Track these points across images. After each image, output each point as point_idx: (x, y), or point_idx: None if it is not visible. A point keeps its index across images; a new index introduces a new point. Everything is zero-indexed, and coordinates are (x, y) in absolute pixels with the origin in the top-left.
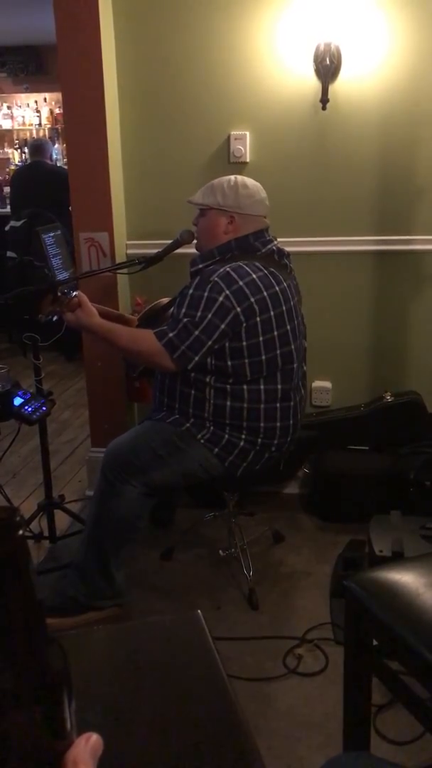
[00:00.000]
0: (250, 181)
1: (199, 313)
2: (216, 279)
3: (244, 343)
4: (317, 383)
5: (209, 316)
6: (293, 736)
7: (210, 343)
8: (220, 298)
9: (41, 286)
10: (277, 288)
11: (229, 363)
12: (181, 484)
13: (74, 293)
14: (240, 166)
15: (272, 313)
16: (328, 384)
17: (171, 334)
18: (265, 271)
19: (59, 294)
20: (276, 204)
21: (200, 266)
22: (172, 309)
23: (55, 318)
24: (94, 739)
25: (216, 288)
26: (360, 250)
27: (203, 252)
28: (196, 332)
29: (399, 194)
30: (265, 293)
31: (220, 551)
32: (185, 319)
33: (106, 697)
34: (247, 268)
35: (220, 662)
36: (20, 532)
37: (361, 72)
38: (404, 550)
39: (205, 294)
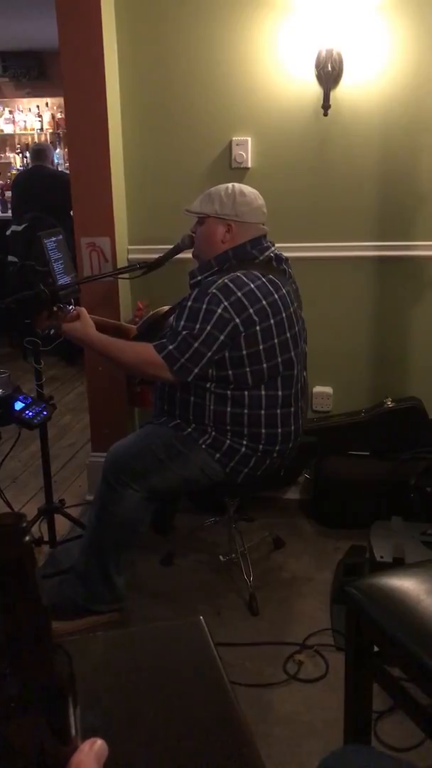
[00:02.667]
0: (247, 189)
1: (198, 326)
2: (214, 291)
3: (244, 352)
4: (318, 389)
5: (208, 328)
6: (294, 743)
7: (210, 354)
8: (219, 310)
9: (39, 291)
10: (276, 296)
11: (230, 372)
12: (182, 489)
13: (71, 307)
14: (241, 172)
15: (272, 321)
16: (329, 389)
17: (171, 347)
18: (264, 280)
19: (55, 309)
20: (277, 209)
21: (199, 278)
22: (171, 318)
23: (52, 331)
24: (98, 744)
25: (214, 300)
26: (361, 256)
27: (201, 263)
28: (196, 344)
29: (400, 200)
30: (264, 302)
31: (221, 557)
32: (184, 332)
33: (110, 702)
34: (245, 279)
35: (223, 669)
36: (27, 538)
37: (362, 78)
38: (405, 556)
39: (204, 306)
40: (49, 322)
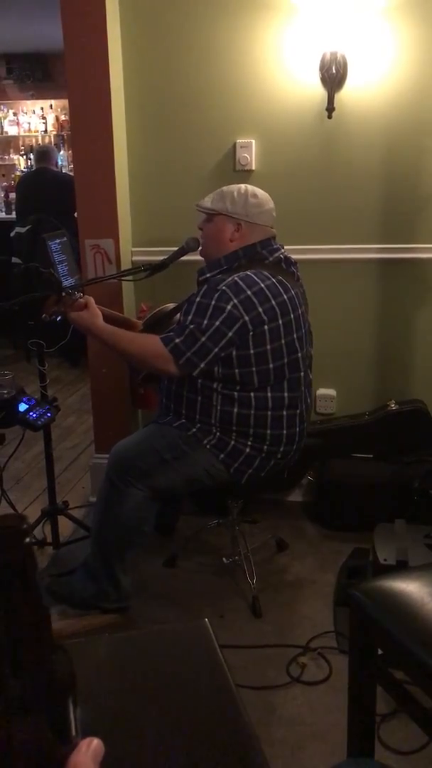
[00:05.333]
0: (259, 191)
1: (206, 321)
2: (224, 288)
3: (252, 352)
4: (322, 391)
5: (216, 323)
6: (297, 745)
7: (216, 350)
8: (228, 307)
9: (48, 293)
10: (285, 296)
11: (237, 371)
12: (186, 490)
13: (79, 294)
14: (245, 174)
15: (280, 321)
16: (332, 392)
17: (177, 340)
18: (274, 280)
19: (63, 294)
20: (281, 212)
21: (207, 275)
22: (177, 315)
23: (59, 318)
24: (95, 743)
25: (224, 297)
26: (365, 258)
27: (210, 260)
28: (203, 339)
29: (404, 202)
30: (273, 302)
31: (224, 559)
32: (192, 326)
33: (113, 704)
34: (255, 277)
35: (228, 671)
36: (28, 539)
37: (367, 81)
38: (408, 559)
39: (213, 303)
40: (57, 308)
